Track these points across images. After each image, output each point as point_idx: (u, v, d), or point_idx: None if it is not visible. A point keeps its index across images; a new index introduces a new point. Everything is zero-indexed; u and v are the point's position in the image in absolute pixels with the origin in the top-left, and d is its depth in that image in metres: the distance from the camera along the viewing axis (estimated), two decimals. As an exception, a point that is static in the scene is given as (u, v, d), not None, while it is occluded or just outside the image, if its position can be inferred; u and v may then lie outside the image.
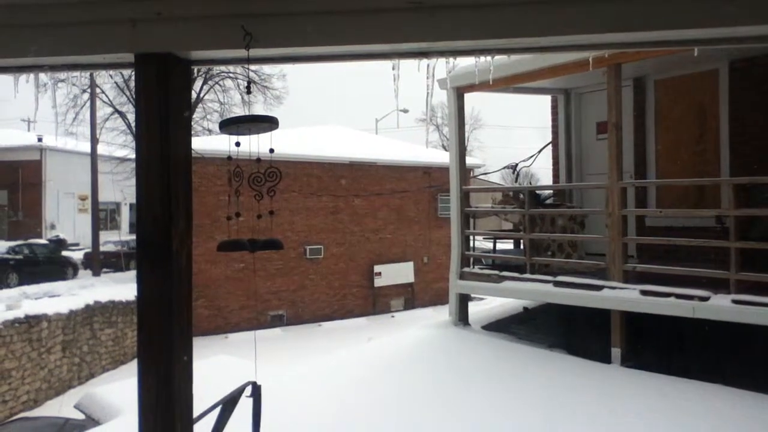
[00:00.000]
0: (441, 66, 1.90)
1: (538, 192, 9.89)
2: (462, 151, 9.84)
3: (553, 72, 8.26)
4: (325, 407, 6.77)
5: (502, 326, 9.68)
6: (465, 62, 2.05)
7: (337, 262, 23.65)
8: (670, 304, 6.98)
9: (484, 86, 9.16)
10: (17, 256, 23.01)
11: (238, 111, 29.81)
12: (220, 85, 29.65)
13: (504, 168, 12.91)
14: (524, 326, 9.58)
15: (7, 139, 36.66)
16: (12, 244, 24.74)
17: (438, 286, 24.06)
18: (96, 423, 7.83)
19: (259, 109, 29.36)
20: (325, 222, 23.28)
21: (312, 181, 22.53)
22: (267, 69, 28.40)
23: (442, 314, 11.89)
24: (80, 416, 8.95)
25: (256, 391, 2.26)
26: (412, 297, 25.25)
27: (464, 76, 8.92)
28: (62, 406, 12.70)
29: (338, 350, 9.96)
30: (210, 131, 28.83)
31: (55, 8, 1.72)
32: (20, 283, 21.49)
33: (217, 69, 26.47)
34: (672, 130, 9.31)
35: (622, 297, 7.41)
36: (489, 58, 1.87)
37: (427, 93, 1.97)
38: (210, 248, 17.85)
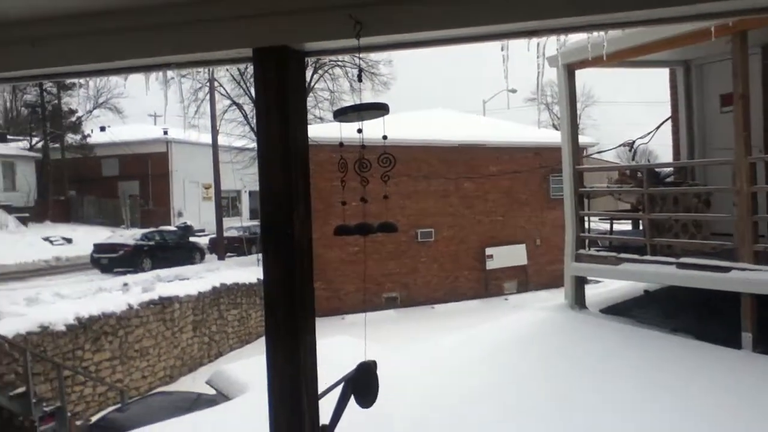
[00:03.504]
0: (550, 43, 1.87)
1: (657, 170, 9.43)
2: (574, 129, 9.53)
3: (672, 43, 7.80)
4: (438, 389, 6.84)
5: (622, 310, 9.34)
6: (575, 38, 2.00)
7: (449, 245, 23.66)
8: (808, 287, 6.48)
9: (596, 62, 8.81)
10: (150, 242, 24.71)
11: (348, 98, 30.32)
12: (329, 74, 30.26)
13: (620, 146, 12.39)
14: (645, 310, 9.19)
15: (137, 133, 39.34)
16: (145, 231, 26.60)
17: (552, 268, 23.50)
18: (226, 398, 8.32)
19: (367, 96, 29.77)
20: (436, 205, 23.32)
21: (421, 165, 22.59)
22: (374, 56, 28.67)
23: (557, 297, 11.64)
24: (211, 391, 9.54)
25: (367, 368, 2.33)
26: (525, 279, 24.85)
27: (575, 52, 8.62)
28: (195, 382, 13.60)
29: (452, 332, 9.99)
30: (321, 119, 29.52)
31: (179, 8, 1.82)
32: (153, 267, 23.07)
33: (326, 58, 27.02)
34: (809, 98, 8.56)
35: (753, 279, 6.95)
36: (602, 32, 1.82)
37: (538, 72, 1.94)
38: (325, 232, 18.28)
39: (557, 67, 9.36)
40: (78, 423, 12.25)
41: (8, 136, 39.03)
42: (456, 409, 6.30)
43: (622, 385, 6.45)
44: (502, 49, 1.86)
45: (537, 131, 27.68)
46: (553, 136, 24.47)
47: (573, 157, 9.36)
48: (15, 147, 37.16)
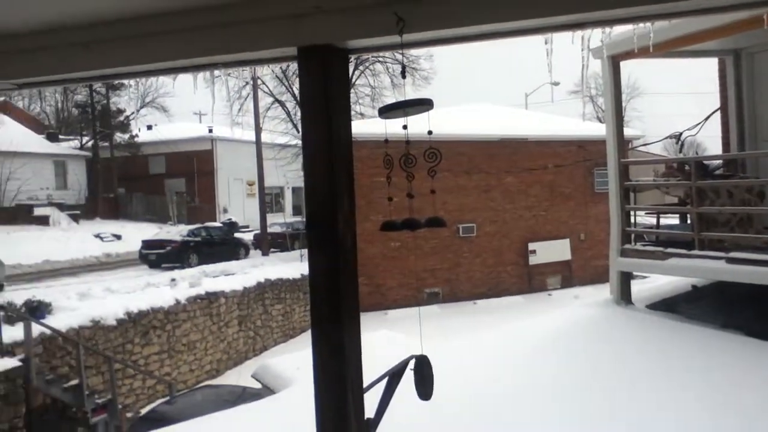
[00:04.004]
0: (595, 35, 1.84)
1: (706, 162, 9.19)
2: (619, 122, 9.36)
3: (722, 32, 7.58)
4: (479, 385, 6.82)
5: (669, 305, 9.15)
6: (620, 29, 1.96)
7: (491, 240, 23.52)
8: None
9: (642, 53, 8.62)
10: (196, 239, 25.16)
11: (388, 94, 30.39)
12: (370, 70, 30.37)
13: (666, 138, 12.06)
14: (693, 305, 8.98)
15: (182, 132, 40.12)
16: (191, 227, 27.10)
17: (597, 263, 23.16)
18: (271, 392, 8.46)
19: (408, 91, 29.48)
20: (477, 200, 23.20)
21: (462, 160, 22.50)
22: (414, 51, 28.65)
23: (602, 293, 11.46)
24: (257, 385, 9.72)
25: (424, 361, 2.36)
26: (569, 275, 24.55)
27: (620, 44, 8.46)
28: (241, 376, 13.84)
29: (495, 328, 9.94)
30: (362, 115, 29.63)
31: (226, 9, 1.86)
32: (199, 263, 23.50)
33: (367, 54, 27.13)
34: None
35: (809, 274, 6.72)
36: (648, 23, 1.79)
37: (583, 66, 1.91)
38: (367, 228, 18.49)
39: (602, 59, 9.20)
40: (129, 415, 12.60)
41: (60, 136, 40.29)
42: (496, 406, 6.27)
43: (669, 383, 6.33)
44: (546, 43, 1.84)
45: (580, 124, 27.28)
46: (597, 129, 24.09)
47: (618, 150, 9.20)
48: (66, 146, 38.33)
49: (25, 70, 2.07)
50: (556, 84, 37.47)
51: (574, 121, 26.65)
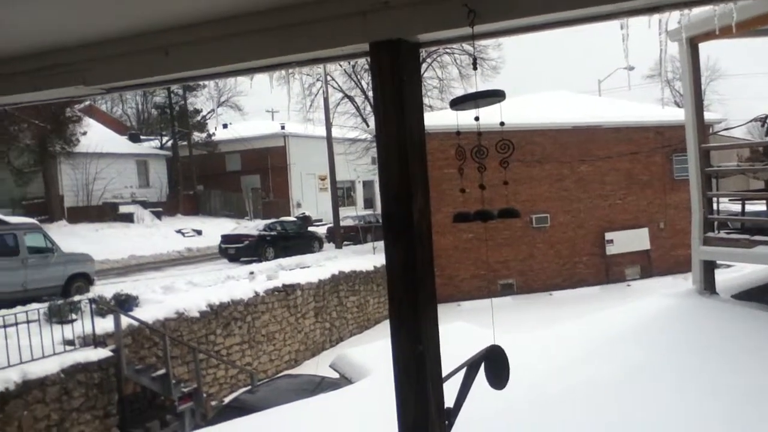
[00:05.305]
0: (672, 16, 1.79)
1: (796, 144, 8.72)
2: (699, 105, 8.99)
3: (813, 5, 7.15)
4: (561, 375, 6.72)
5: (757, 295, 8.74)
6: (699, 8, 1.89)
7: (565, 230, 23.04)
8: None
9: (724, 33, 8.23)
10: (272, 233, 25.71)
11: (457, 85, 30.10)
12: (438, 62, 30.12)
13: (750, 121, 11.48)
14: (784, 295, 8.55)
15: (256, 129, 41.09)
16: (267, 222, 27.73)
17: (678, 253, 22.33)
18: (348, 381, 8.58)
19: (477, 81, 29.31)
20: (550, 190, 22.77)
21: (534, 149, 22.11)
22: (483, 41, 28.25)
23: (683, 283, 11.07)
24: (334, 375, 9.87)
25: (496, 351, 2.36)
26: (648, 265, 23.77)
27: (699, 24, 8.11)
28: (318, 366, 14.10)
29: (573, 319, 9.75)
30: (431, 107, 29.48)
31: (297, 9, 1.90)
32: (276, 257, 23.99)
33: (438, 47, 26.93)
34: None
35: None
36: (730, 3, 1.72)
37: (660, 50, 1.86)
38: (438, 220, 18.32)
39: (679, 42, 8.85)
40: (213, 403, 13.07)
41: (141, 137, 42.01)
42: (578, 396, 6.17)
43: (757, 376, 6.06)
44: (622, 28, 1.80)
45: (657, 109, 26.29)
46: (674, 114, 23.19)
47: (698, 135, 8.84)
48: (147, 146, 39.92)
49: (110, 75, 2.20)
50: (631, 69, 36.14)
51: (650, 107, 25.71)
